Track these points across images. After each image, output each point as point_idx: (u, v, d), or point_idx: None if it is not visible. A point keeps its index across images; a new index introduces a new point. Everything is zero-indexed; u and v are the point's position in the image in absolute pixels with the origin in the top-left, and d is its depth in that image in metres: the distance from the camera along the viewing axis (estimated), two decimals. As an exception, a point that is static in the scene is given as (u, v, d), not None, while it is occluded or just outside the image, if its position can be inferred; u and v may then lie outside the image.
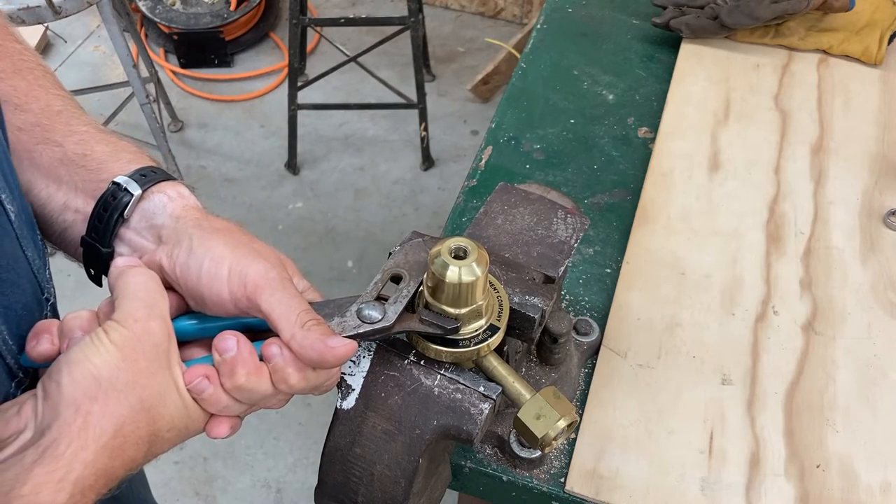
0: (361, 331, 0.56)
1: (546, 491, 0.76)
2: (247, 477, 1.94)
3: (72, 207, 0.58)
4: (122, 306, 0.51)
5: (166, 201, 0.58)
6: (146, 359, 0.50)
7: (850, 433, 0.79)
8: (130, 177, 0.57)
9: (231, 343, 0.53)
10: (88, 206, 0.58)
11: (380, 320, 0.56)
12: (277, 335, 0.53)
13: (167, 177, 0.60)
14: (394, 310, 0.57)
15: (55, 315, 0.62)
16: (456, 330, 0.58)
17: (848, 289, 0.90)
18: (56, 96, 0.61)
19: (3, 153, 0.54)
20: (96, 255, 0.58)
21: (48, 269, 0.62)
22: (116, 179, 0.57)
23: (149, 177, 0.58)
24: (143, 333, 0.50)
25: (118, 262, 0.54)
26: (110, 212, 0.57)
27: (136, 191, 0.57)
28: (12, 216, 0.54)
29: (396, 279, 0.60)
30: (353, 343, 0.54)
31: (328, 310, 0.57)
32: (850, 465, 0.77)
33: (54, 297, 0.63)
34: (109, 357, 0.49)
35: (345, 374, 0.60)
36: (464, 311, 0.57)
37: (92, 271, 0.60)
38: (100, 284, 0.60)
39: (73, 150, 0.59)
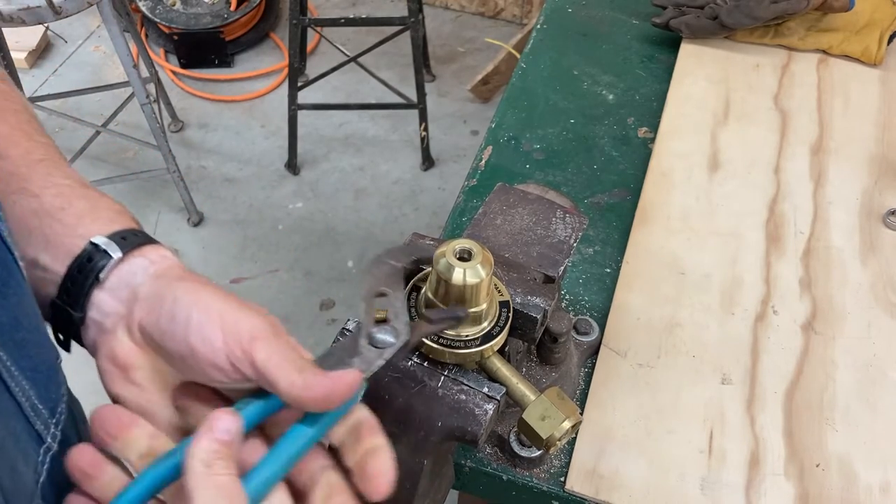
0: (387, 356, 0.53)
1: (546, 490, 0.76)
2: (247, 476, 1.94)
3: (40, 264, 0.53)
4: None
5: (147, 265, 0.53)
6: None
7: (849, 433, 0.79)
8: (111, 238, 0.52)
9: None
10: (57, 264, 0.52)
11: (397, 339, 0.54)
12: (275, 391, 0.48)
13: (149, 240, 0.54)
14: (402, 323, 0.55)
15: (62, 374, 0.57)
16: (467, 315, 0.57)
17: (848, 289, 0.91)
18: (38, 143, 0.56)
19: None
20: (67, 319, 0.53)
21: None
22: (94, 240, 0.52)
23: (129, 240, 0.53)
24: None
25: (195, 463, 0.45)
26: (85, 274, 0.51)
27: (115, 254, 0.52)
28: (26, 274, 0.50)
29: (381, 296, 0.57)
30: (358, 373, 0.49)
31: (334, 359, 0.53)
32: (850, 464, 0.77)
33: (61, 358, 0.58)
34: None
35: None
36: (468, 312, 0.58)
37: (61, 336, 0.54)
38: (68, 350, 0.55)
39: (51, 203, 0.53)
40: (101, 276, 0.51)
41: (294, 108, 2.42)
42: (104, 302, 0.52)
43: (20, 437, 0.48)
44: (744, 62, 1.17)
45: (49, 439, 0.51)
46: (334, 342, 0.61)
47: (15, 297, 0.48)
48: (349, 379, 0.47)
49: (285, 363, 0.47)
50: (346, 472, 0.48)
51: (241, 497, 0.44)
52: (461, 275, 0.56)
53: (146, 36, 2.93)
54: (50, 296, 0.52)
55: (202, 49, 2.83)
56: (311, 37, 2.90)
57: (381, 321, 0.55)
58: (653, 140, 1.07)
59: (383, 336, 0.54)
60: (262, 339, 0.48)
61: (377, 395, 0.60)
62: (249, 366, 0.48)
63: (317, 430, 0.48)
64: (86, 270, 0.51)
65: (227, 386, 0.50)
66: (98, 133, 2.39)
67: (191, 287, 0.50)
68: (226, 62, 2.88)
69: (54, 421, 0.51)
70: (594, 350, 0.85)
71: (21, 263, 0.49)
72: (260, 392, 0.49)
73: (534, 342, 0.67)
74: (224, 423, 0.45)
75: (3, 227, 0.47)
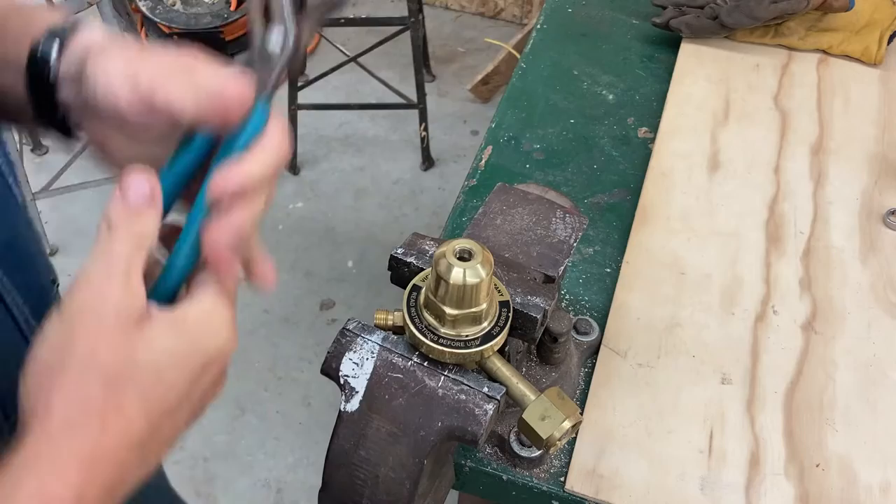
0: (280, 64, 0.51)
1: (546, 490, 0.76)
2: (247, 477, 1.94)
3: (15, 93, 0.54)
4: (84, 267, 0.45)
5: (78, 51, 0.52)
6: (102, 322, 0.43)
7: (849, 433, 0.79)
8: (44, 44, 0.52)
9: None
10: (22, 88, 0.53)
11: (285, 46, 0.51)
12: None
13: (76, 25, 0.54)
14: (289, 22, 0.51)
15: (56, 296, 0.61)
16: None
17: (848, 289, 0.91)
18: None
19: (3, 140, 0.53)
20: (53, 125, 0.55)
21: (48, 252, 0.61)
22: (32, 50, 0.52)
23: (60, 35, 0.53)
24: (98, 295, 0.44)
25: (101, 226, 0.47)
26: (37, 87, 0.53)
27: (52, 57, 0.52)
28: (19, 199, 0.53)
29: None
30: (246, 77, 0.49)
31: None
32: (850, 464, 0.77)
33: (58, 282, 0.61)
34: (60, 328, 0.43)
35: (348, 376, 0.61)
36: (468, 312, 0.58)
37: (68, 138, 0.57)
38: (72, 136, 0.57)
39: None
40: (52, 80, 0.52)
41: (294, 107, 2.42)
42: (64, 99, 0.53)
43: (17, 347, 0.50)
44: (744, 62, 1.17)
45: None
46: (335, 341, 0.61)
47: (9, 221, 0.50)
48: (235, 85, 0.47)
49: (182, 90, 0.47)
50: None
51: (122, 262, 0.44)
52: (461, 275, 0.56)
53: (146, 36, 2.93)
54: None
55: (202, 49, 2.83)
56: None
57: (268, 25, 0.52)
58: (653, 140, 1.07)
59: (272, 46, 0.51)
60: (159, 79, 0.48)
61: (377, 395, 0.60)
62: (154, 111, 0.48)
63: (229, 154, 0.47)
64: (37, 83, 0.53)
65: (161, 140, 0.50)
66: (98, 133, 2.39)
67: (100, 57, 0.51)
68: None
69: None
70: (594, 350, 0.85)
71: (16, 190, 0.51)
72: (191, 138, 0.49)
73: (534, 342, 0.67)
74: (131, 182, 0.45)
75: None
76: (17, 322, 0.51)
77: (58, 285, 0.60)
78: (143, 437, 0.43)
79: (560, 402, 0.60)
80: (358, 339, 0.62)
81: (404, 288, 0.63)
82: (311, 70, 2.76)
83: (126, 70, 0.49)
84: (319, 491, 0.63)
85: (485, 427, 0.58)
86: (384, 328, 0.63)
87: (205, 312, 0.46)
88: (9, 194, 0.51)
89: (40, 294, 0.54)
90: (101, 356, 0.42)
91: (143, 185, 0.45)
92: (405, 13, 2.25)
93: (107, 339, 0.43)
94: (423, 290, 0.60)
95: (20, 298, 0.51)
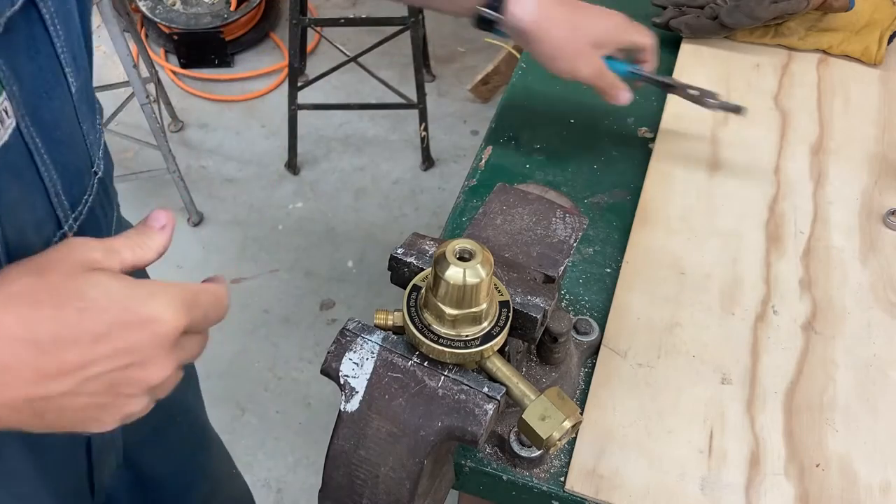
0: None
1: (546, 490, 0.76)
2: (247, 477, 1.93)
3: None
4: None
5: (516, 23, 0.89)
6: (70, 254, 0.49)
7: (849, 433, 0.79)
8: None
9: None
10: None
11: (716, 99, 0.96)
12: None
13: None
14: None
15: (102, 189, 0.67)
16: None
17: (848, 289, 0.91)
18: None
19: (80, 36, 0.58)
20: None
21: (101, 147, 0.67)
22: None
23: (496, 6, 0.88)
24: (82, 244, 0.50)
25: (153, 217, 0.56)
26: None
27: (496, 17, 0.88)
28: (73, 89, 0.58)
29: None
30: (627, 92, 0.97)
31: None
32: (850, 464, 0.77)
33: (103, 172, 0.68)
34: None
35: (348, 376, 0.61)
36: (467, 312, 0.58)
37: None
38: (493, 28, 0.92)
39: None
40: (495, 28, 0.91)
41: (294, 108, 2.42)
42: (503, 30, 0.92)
43: (38, 209, 0.57)
44: (744, 62, 1.17)
45: (66, 227, 0.61)
46: (335, 341, 0.62)
47: (58, 102, 0.56)
48: (624, 93, 0.96)
49: (588, 73, 0.94)
50: None
51: (114, 244, 0.51)
52: (461, 275, 0.56)
53: (146, 36, 2.93)
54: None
55: (202, 49, 2.83)
56: (311, 37, 2.90)
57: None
58: (653, 140, 1.07)
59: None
60: (626, 28, 0.96)
61: (377, 395, 0.60)
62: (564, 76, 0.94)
63: None
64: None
65: None
66: (98, 133, 2.39)
67: (540, 34, 0.89)
68: (226, 62, 2.88)
69: (74, 215, 0.61)
70: (594, 350, 0.85)
71: (72, 81, 0.57)
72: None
73: (534, 342, 0.67)
74: (154, 214, 0.55)
75: (60, 45, 0.55)
76: (48, 194, 0.57)
77: (97, 174, 0.66)
78: (38, 337, 0.45)
79: (560, 402, 0.60)
80: (358, 339, 0.62)
81: (404, 288, 0.63)
82: (311, 70, 2.76)
83: (554, 56, 0.91)
84: (319, 491, 0.63)
85: (485, 427, 0.58)
86: (384, 328, 0.63)
87: (161, 286, 0.50)
88: (63, 81, 0.56)
89: (75, 174, 0.60)
90: (47, 263, 0.48)
91: (161, 216, 0.55)
92: (405, 13, 2.25)
93: (62, 261, 0.48)
94: (423, 290, 0.60)
95: (55, 174, 0.56)
